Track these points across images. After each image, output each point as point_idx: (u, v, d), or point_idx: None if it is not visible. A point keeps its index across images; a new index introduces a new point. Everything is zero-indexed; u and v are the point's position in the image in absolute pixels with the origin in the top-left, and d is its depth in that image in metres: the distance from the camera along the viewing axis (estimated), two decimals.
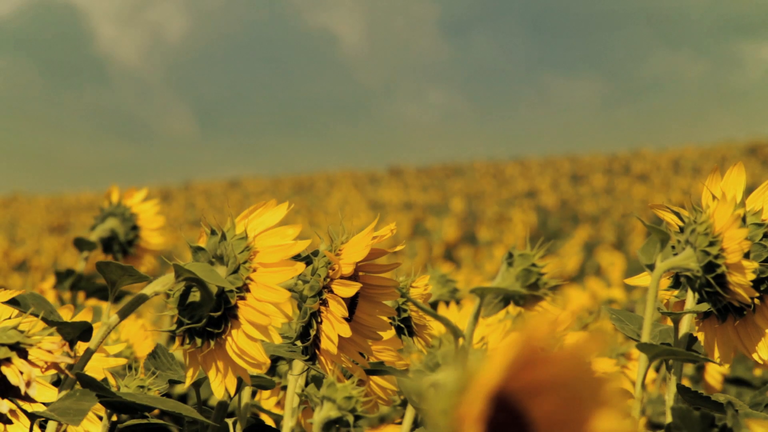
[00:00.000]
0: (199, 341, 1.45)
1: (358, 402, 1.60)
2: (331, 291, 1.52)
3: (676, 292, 1.69)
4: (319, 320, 1.53)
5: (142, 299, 1.47)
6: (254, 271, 1.43)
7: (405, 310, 1.84)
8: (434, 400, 0.84)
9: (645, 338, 1.61)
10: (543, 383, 0.86)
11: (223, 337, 1.44)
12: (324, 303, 1.53)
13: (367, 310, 1.59)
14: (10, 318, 1.46)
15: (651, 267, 1.60)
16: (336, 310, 1.51)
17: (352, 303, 1.58)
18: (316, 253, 1.54)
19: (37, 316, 1.46)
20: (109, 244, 2.73)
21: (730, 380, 3.66)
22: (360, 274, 1.58)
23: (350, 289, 1.52)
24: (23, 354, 1.41)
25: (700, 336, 1.69)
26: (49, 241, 14.56)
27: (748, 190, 1.65)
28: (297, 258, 1.52)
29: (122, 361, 1.78)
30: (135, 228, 2.73)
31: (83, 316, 1.73)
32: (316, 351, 1.55)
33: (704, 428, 1.68)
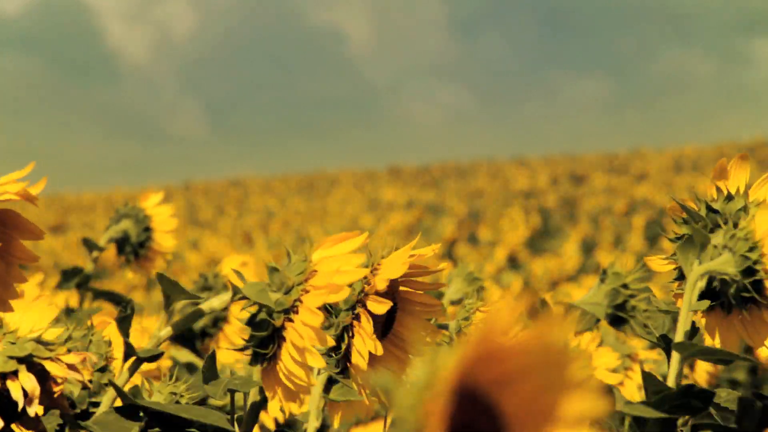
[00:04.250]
0: (256, 360, 1.47)
1: None
2: (364, 306, 1.52)
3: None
4: (351, 334, 1.54)
5: (198, 315, 1.47)
6: (306, 293, 1.43)
7: None
8: (402, 396, 0.81)
9: (679, 338, 1.61)
10: (512, 373, 0.84)
11: (274, 358, 1.45)
12: (357, 318, 1.53)
13: (408, 325, 1.59)
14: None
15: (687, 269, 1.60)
16: (367, 326, 1.52)
17: (390, 317, 1.58)
18: None
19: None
20: (121, 245, 2.72)
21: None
22: (401, 289, 1.58)
23: (383, 306, 1.51)
24: (33, 368, 1.32)
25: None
26: (49, 240, 14.54)
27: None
28: None
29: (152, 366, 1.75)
30: (147, 230, 2.71)
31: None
32: (348, 364, 1.55)
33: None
